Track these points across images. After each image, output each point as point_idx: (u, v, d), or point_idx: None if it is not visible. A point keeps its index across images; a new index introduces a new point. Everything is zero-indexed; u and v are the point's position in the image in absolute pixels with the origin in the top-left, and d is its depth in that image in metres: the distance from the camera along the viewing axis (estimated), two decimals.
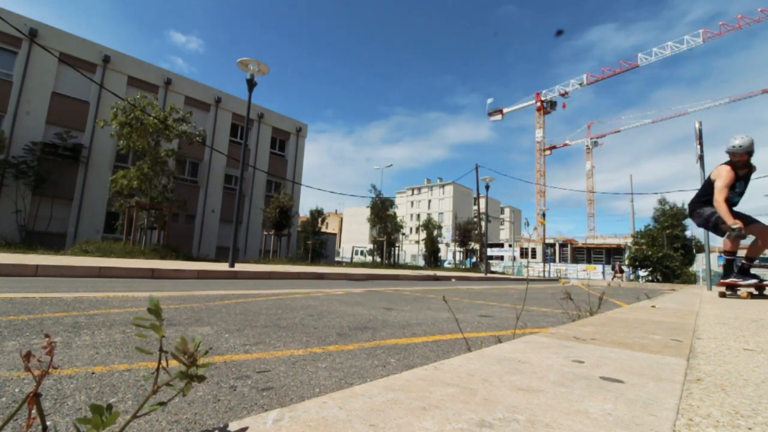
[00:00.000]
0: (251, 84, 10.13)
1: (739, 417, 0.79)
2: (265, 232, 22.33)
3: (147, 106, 13.92)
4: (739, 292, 4.81)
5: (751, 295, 4.71)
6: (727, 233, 4.40)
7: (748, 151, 4.53)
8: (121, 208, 14.40)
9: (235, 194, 24.35)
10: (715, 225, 4.72)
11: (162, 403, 0.54)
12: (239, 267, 9.74)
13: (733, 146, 4.55)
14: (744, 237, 4.53)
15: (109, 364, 1.48)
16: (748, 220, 4.67)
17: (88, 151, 18.55)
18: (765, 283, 4.76)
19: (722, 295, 4.94)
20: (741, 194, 4.76)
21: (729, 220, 4.35)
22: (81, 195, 18.36)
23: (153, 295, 2.66)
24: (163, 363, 0.55)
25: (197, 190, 23.17)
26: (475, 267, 34.01)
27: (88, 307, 2.79)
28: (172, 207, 14.94)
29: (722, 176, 4.55)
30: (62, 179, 17.70)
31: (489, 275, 19.82)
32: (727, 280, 4.86)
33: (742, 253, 5.12)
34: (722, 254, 4.95)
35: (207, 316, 2.67)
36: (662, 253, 24.53)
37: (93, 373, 1.37)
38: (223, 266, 9.46)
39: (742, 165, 4.57)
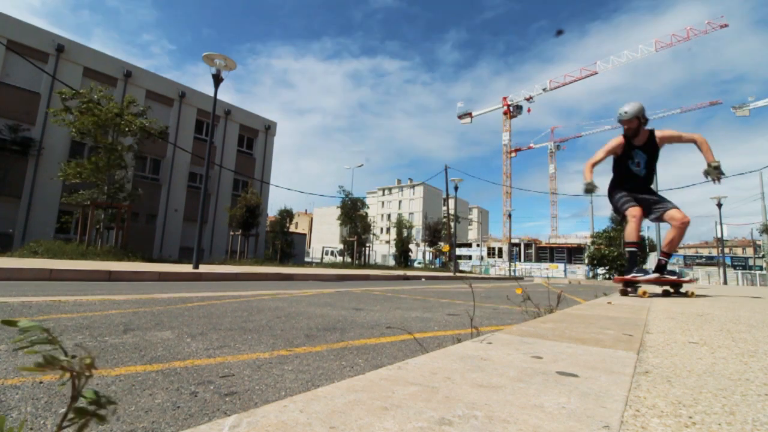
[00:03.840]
0: (217, 79, 9.84)
1: (681, 407, 0.85)
2: (231, 233, 21.74)
3: (102, 99, 13.13)
4: (638, 290, 4.14)
5: (652, 294, 4.09)
6: (584, 188, 4.38)
7: (636, 116, 4.28)
8: (74, 202, 13.42)
9: (199, 193, 23.60)
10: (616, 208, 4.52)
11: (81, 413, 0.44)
12: (204, 268, 9.44)
13: (620, 114, 4.38)
14: (592, 190, 4.38)
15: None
16: (656, 201, 4.35)
17: (38, 145, 17.41)
18: (667, 278, 4.20)
19: (623, 293, 4.23)
20: (643, 166, 4.44)
21: (587, 177, 4.37)
22: (30, 192, 17.22)
23: (110, 298, 2.53)
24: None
25: (159, 188, 22.26)
26: (444, 266, 34.54)
27: (36, 313, 2.62)
28: (131, 205, 14.23)
29: (607, 143, 4.50)
30: (9, 175, 16.53)
31: (457, 274, 20.18)
32: (627, 276, 4.25)
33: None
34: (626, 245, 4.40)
35: (168, 320, 2.57)
36: (617, 252, 25.89)
37: (41, 382, 1.29)
38: (187, 268, 9.14)
39: (633, 133, 4.36)
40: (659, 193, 4.60)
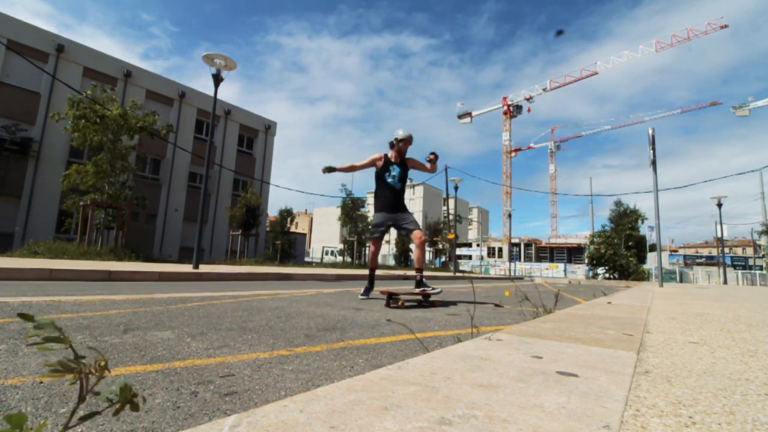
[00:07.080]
0: (217, 79, 9.84)
1: (681, 406, 0.85)
2: (231, 233, 21.74)
3: (107, 101, 13.15)
4: (399, 301, 4.10)
5: (409, 304, 4.16)
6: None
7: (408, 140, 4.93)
8: (74, 206, 13.48)
9: (199, 193, 23.58)
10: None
11: (91, 415, 0.48)
12: (204, 268, 9.44)
13: (397, 134, 4.94)
14: (331, 170, 4.92)
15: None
16: (404, 218, 4.85)
17: (38, 145, 17.41)
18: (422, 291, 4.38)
19: (387, 304, 4.02)
20: (397, 179, 4.93)
21: (335, 166, 4.97)
22: (30, 192, 17.23)
23: (110, 298, 2.53)
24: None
25: (159, 188, 22.26)
26: (444, 266, 34.51)
27: (37, 312, 2.62)
28: (131, 205, 14.23)
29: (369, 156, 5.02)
30: (9, 175, 16.54)
31: (458, 274, 20.17)
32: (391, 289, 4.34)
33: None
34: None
35: (168, 320, 2.57)
36: (613, 251, 25.90)
37: (41, 382, 1.29)
38: (187, 267, 9.14)
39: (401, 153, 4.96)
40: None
